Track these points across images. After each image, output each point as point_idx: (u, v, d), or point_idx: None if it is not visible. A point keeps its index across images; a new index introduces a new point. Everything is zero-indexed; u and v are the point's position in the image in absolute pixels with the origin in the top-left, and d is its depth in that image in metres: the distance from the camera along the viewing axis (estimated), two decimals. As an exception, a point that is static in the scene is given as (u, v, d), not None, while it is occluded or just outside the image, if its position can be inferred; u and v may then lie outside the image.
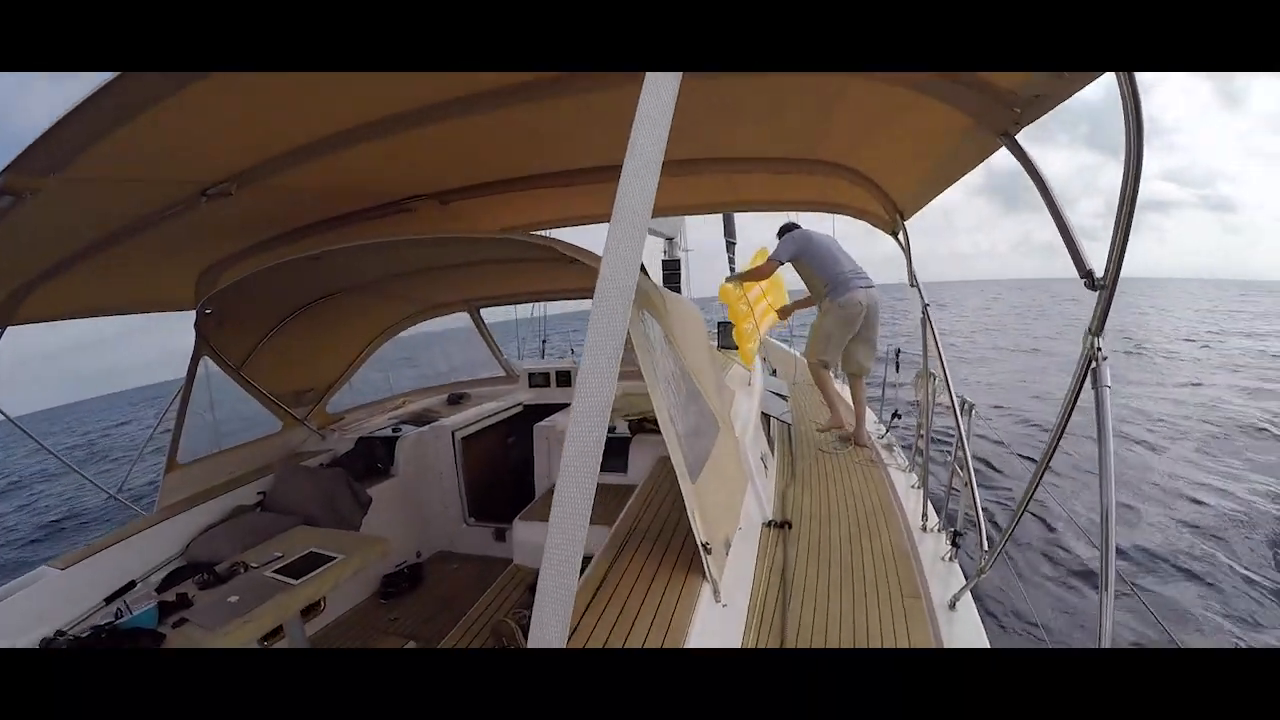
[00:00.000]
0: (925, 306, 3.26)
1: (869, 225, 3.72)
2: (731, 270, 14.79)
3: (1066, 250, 1.65)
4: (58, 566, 2.93)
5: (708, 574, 2.23)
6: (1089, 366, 1.63)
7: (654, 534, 2.65)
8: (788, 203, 4.16)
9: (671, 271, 10.60)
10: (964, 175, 2.65)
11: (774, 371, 7.25)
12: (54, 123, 1.67)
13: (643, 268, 2.47)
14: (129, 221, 2.60)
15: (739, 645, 2.31)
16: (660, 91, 1.00)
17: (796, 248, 5.03)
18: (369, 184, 2.99)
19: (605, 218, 4.21)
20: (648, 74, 1.01)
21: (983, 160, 2.35)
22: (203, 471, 3.87)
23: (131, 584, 3.04)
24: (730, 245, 14.43)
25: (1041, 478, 2.03)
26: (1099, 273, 1.55)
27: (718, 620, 2.17)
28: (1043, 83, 1.59)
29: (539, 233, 4.21)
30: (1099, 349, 1.59)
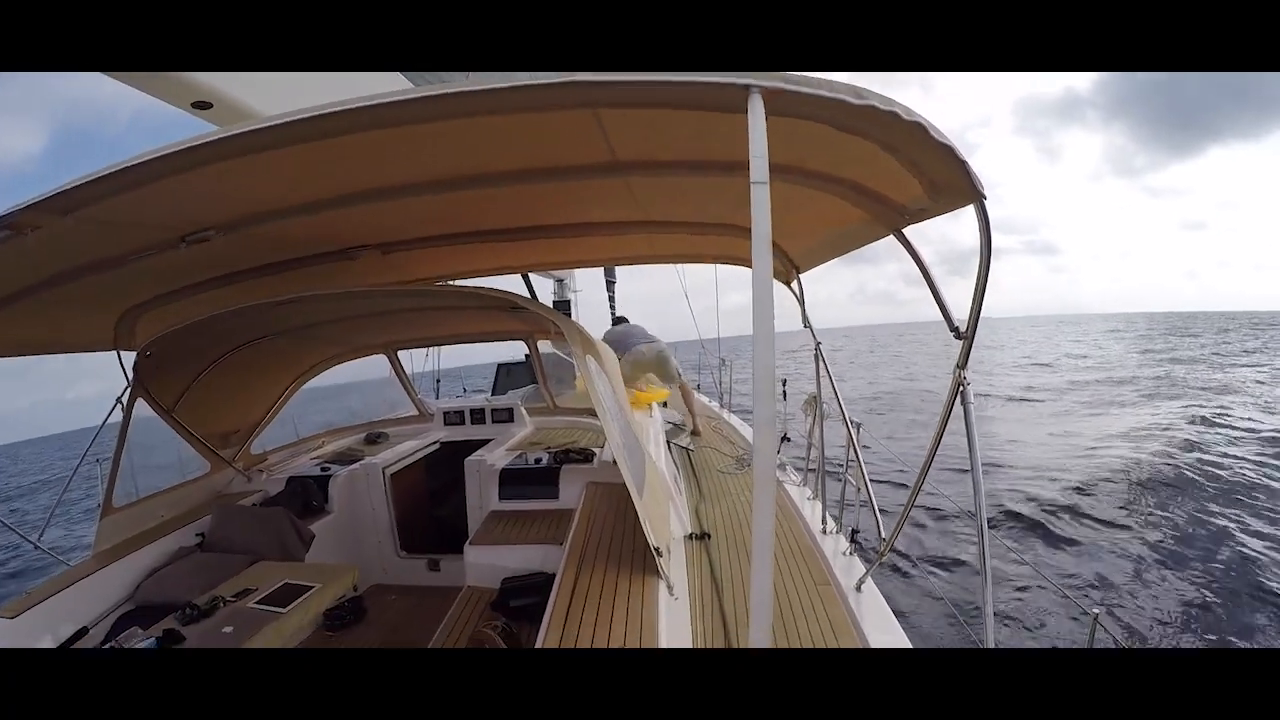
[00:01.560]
0: (818, 344, 3.83)
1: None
2: (612, 307, 15.37)
3: (940, 312, 2.23)
4: (5, 615, 2.95)
5: (662, 573, 2.61)
6: (958, 391, 2.20)
7: (604, 547, 3.01)
8: (697, 257, 4.58)
9: (563, 309, 11.01)
10: (855, 249, 3.14)
11: (664, 403, 7.80)
12: (104, 171, 1.73)
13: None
14: (91, 260, 2.64)
15: (689, 631, 2.76)
16: (757, 119, 1.40)
17: (611, 342, 7.22)
18: (316, 235, 3.16)
19: (519, 269, 4.65)
20: (751, 99, 1.40)
21: (872, 242, 2.83)
22: (137, 514, 3.92)
23: (84, 630, 3.10)
24: (610, 284, 15.07)
25: (925, 476, 2.60)
26: (962, 328, 2.11)
27: (676, 612, 2.58)
28: (926, 201, 2.10)
29: (463, 282, 4.59)
30: (965, 379, 2.16)
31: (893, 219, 2.40)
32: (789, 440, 6.26)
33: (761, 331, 1.36)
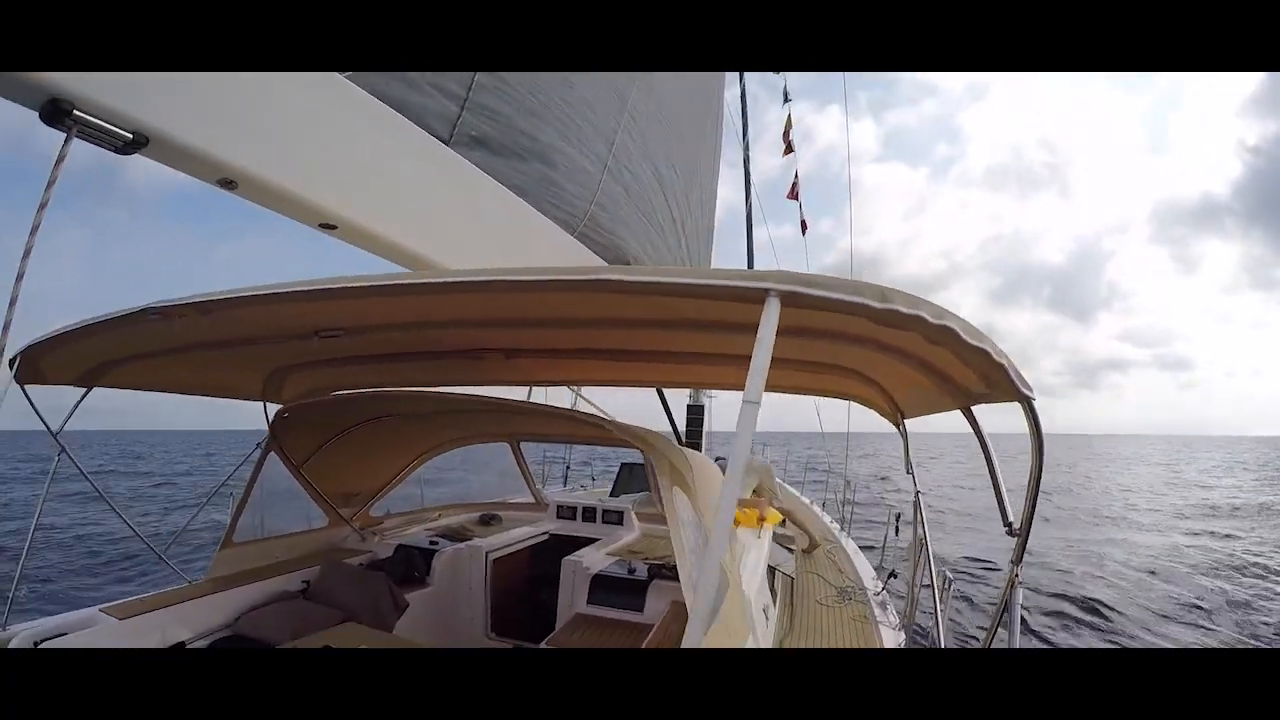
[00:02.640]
0: (917, 494, 3.71)
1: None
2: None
3: (998, 505, 2.20)
4: (115, 615, 3.26)
5: None
6: (1010, 587, 2.20)
7: None
8: (808, 390, 4.53)
9: (695, 416, 11.07)
10: (942, 412, 3.05)
11: (783, 522, 7.57)
12: (245, 292, 2.03)
13: (670, 441, 2.99)
14: (239, 337, 2.99)
15: None
16: (770, 317, 1.47)
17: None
18: (447, 336, 3.36)
19: (630, 383, 4.77)
20: (768, 300, 1.47)
21: (950, 411, 2.77)
22: (252, 552, 4.25)
23: (181, 644, 3.39)
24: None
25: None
26: (1016, 524, 2.10)
27: None
28: (984, 389, 2.11)
29: (577, 388, 4.85)
30: (1017, 574, 2.15)
31: (960, 398, 2.40)
32: (896, 577, 5.93)
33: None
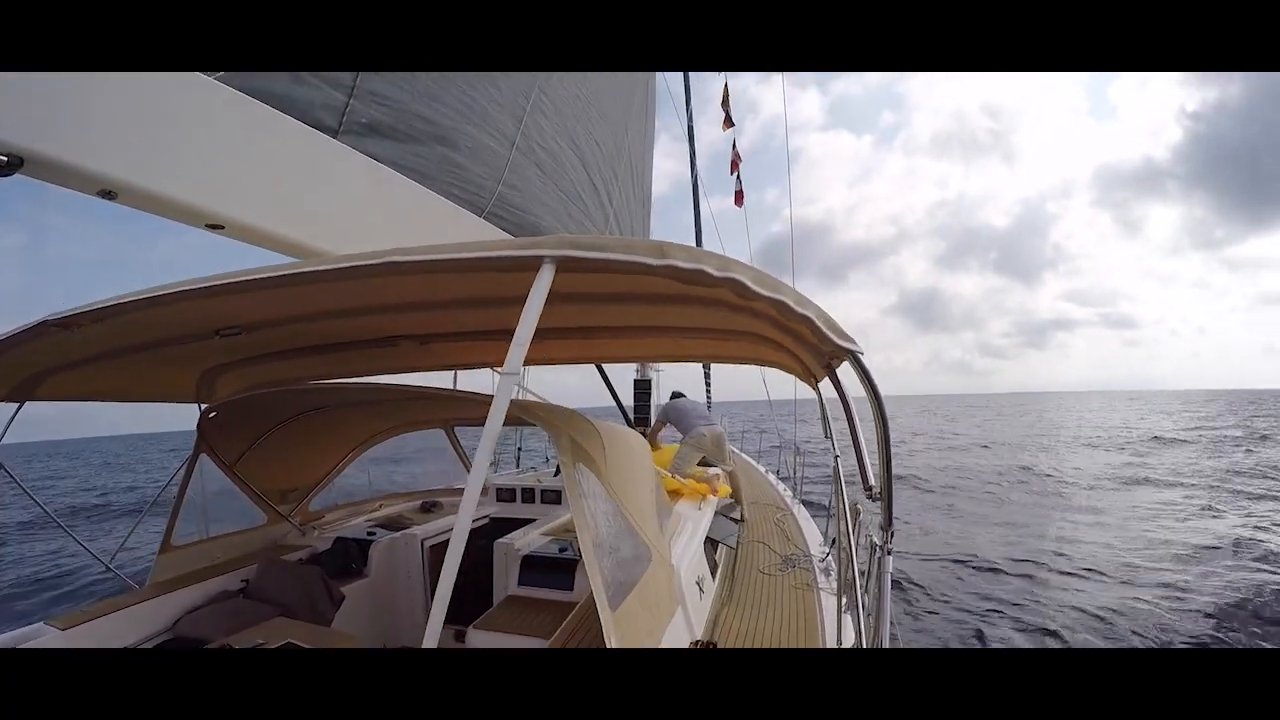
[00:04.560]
0: (836, 457, 3.76)
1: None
2: (707, 382, 15.43)
3: (859, 469, 2.12)
4: (58, 626, 3.30)
5: None
6: (884, 548, 2.21)
7: (586, 644, 3.02)
8: (726, 358, 4.60)
9: (643, 390, 11.11)
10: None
11: (732, 496, 7.57)
12: (131, 298, 2.10)
13: (585, 416, 3.01)
14: (149, 341, 3.02)
15: None
16: (542, 283, 1.51)
17: (665, 415, 7.50)
18: (361, 327, 3.38)
19: (559, 361, 4.79)
20: (542, 267, 1.50)
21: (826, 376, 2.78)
22: (192, 555, 4.26)
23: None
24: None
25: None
26: (876, 488, 2.07)
27: None
28: (834, 347, 2.03)
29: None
30: (887, 543, 2.16)
31: (821, 357, 2.41)
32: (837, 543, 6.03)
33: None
